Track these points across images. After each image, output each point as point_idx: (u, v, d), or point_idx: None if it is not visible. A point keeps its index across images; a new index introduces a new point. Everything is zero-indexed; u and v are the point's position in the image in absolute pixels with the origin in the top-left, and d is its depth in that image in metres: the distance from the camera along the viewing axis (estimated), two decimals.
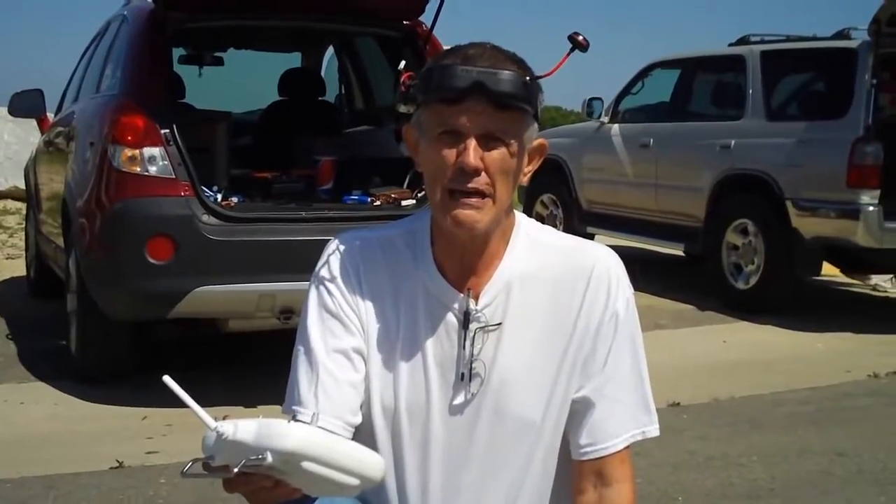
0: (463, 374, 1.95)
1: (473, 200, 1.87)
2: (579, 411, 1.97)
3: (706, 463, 4.80)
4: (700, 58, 10.13)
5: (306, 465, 1.55)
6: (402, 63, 2.03)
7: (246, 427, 1.54)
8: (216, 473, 1.57)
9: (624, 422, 1.98)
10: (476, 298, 1.96)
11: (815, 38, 9.08)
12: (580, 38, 1.96)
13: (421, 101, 1.90)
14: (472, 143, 1.84)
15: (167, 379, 1.58)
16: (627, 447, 1.98)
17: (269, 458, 1.52)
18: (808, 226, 7.99)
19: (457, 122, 1.85)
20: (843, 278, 9.62)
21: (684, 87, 10.09)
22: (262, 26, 7.19)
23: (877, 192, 7.65)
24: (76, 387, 5.77)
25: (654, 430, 2.02)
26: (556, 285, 1.98)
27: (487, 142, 1.85)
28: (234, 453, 1.54)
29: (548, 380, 1.96)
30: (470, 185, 1.86)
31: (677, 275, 10.40)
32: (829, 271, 8.88)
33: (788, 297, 8.35)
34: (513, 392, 1.95)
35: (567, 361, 1.96)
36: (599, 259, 2.00)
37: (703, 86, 10.10)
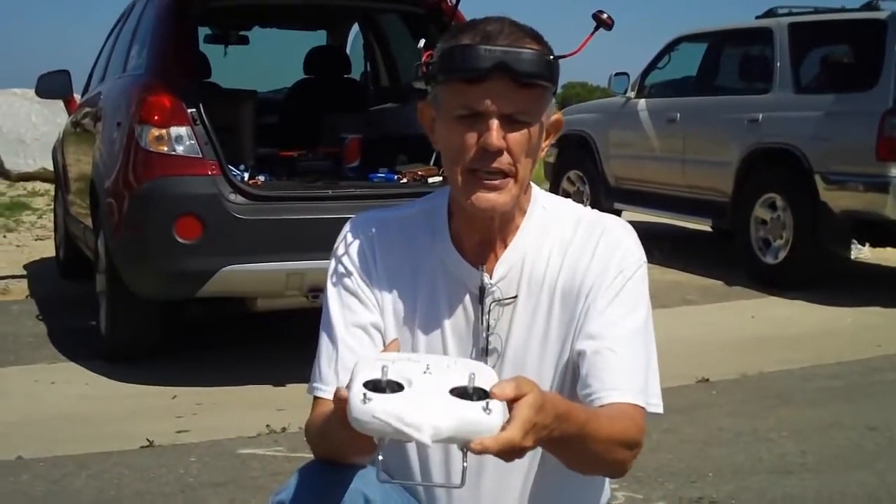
0: (481, 349, 1.97)
1: (496, 181, 1.87)
2: (580, 365, 1.91)
3: (736, 438, 4.79)
4: (727, 31, 10.06)
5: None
6: (422, 42, 2.01)
7: (445, 426, 1.52)
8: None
9: (621, 377, 1.87)
10: (492, 273, 1.97)
11: (843, 10, 9.01)
12: (604, 16, 1.94)
13: (441, 80, 1.88)
14: (494, 124, 1.83)
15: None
16: (639, 409, 1.87)
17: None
18: (836, 199, 7.93)
19: (479, 104, 1.83)
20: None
21: (711, 61, 10.04)
22: (286, 4, 7.19)
23: None
24: (106, 366, 5.80)
25: (656, 407, 1.92)
26: (568, 255, 1.97)
27: (509, 122, 1.84)
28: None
29: (560, 347, 1.95)
30: (493, 166, 1.85)
31: (705, 250, 10.38)
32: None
33: (817, 272, 8.29)
34: (528, 363, 1.95)
35: (577, 327, 1.94)
36: (609, 228, 1.99)
37: (731, 59, 10.04)
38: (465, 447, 1.53)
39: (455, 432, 1.52)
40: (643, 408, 1.88)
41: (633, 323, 1.93)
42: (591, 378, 1.87)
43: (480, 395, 1.55)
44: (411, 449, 2.00)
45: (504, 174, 1.87)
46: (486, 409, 1.53)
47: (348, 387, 1.56)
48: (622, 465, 1.86)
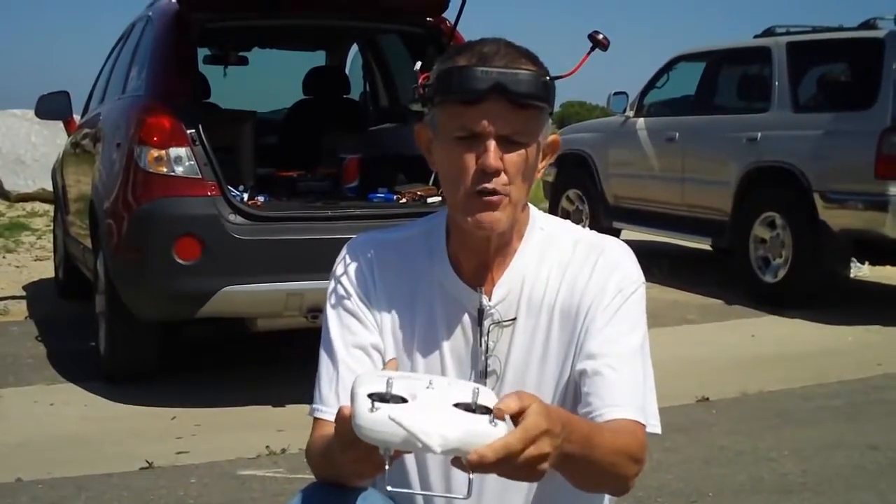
0: (480, 371, 1.96)
1: (494, 199, 1.86)
2: (580, 385, 1.91)
3: (736, 458, 4.78)
4: (725, 50, 10.09)
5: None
6: (419, 64, 2.02)
7: (452, 436, 1.51)
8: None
9: (621, 394, 1.87)
10: (490, 295, 1.97)
11: (841, 29, 9.02)
12: (600, 36, 1.96)
13: (437, 101, 1.89)
14: (491, 145, 1.84)
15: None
16: (640, 426, 1.87)
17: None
18: (836, 218, 7.94)
19: (476, 125, 1.84)
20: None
21: (709, 80, 10.05)
22: (286, 25, 7.20)
23: None
24: (105, 387, 5.79)
25: (654, 427, 1.92)
26: (567, 275, 1.97)
27: (506, 143, 1.85)
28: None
29: (560, 368, 1.95)
30: (489, 185, 1.86)
31: (705, 269, 10.37)
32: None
33: (817, 291, 8.28)
34: (527, 385, 1.94)
35: (575, 348, 1.94)
36: (608, 249, 2.00)
37: (729, 78, 10.05)
38: (466, 461, 1.52)
39: (461, 443, 1.51)
40: (644, 425, 1.88)
41: (632, 342, 1.93)
42: (592, 396, 1.87)
43: (483, 412, 1.54)
44: (411, 466, 1.99)
45: (500, 193, 1.87)
46: (491, 421, 1.53)
47: (351, 400, 1.54)
48: (626, 481, 1.85)
